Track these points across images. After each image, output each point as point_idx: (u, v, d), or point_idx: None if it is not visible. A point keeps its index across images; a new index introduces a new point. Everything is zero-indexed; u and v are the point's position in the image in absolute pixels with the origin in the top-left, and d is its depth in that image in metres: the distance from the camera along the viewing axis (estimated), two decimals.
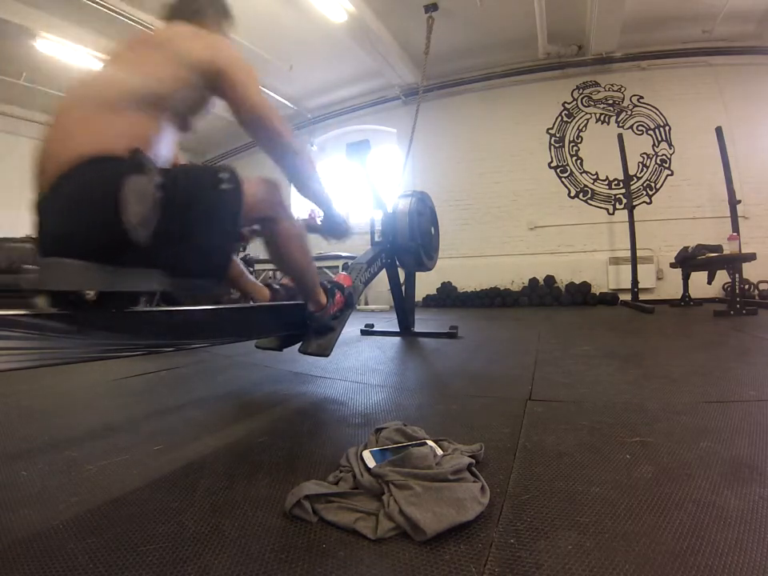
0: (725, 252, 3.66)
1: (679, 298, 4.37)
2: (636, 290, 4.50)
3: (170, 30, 0.98)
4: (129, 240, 0.72)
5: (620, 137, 4.75)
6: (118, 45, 0.95)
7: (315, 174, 1.14)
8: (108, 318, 0.81)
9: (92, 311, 0.79)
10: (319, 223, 1.35)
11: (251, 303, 1.38)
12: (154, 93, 0.83)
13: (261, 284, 1.46)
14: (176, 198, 0.79)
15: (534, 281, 5.47)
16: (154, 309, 0.93)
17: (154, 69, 0.85)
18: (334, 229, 1.33)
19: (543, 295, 5.31)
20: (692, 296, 4.32)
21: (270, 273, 5.36)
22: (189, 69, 0.88)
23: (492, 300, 5.49)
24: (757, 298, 4.45)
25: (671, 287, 4.86)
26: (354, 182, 6.45)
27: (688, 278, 4.33)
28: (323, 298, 1.34)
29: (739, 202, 4.16)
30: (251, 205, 0.94)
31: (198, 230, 0.84)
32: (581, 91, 5.69)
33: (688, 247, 4.08)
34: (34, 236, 0.82)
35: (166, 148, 0.90)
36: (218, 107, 1.02)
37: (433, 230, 2.53)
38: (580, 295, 5.18)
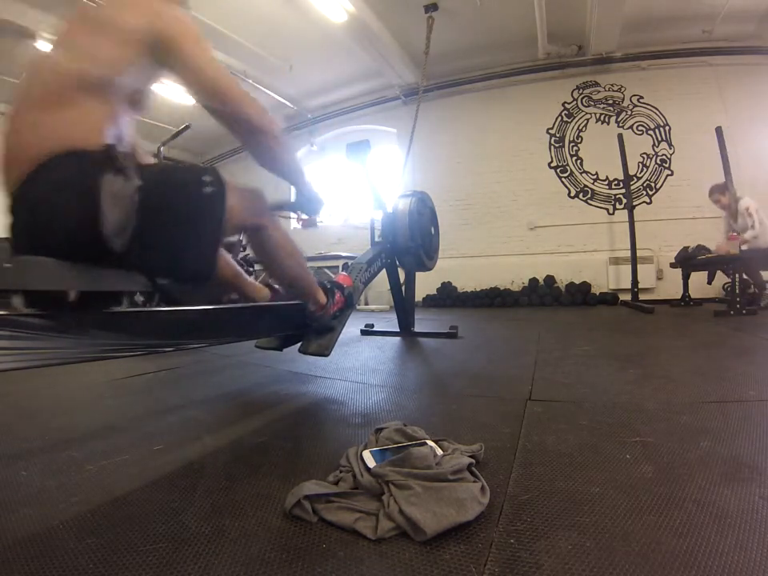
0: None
1: (679, 297, 4.37)
2: (636, 290, 4.50)
3: (110, 2, 0.85)
4: (106, 246, 0.69)
5: (620, 137, 4.75)
6: (64, 23, 0.85)
7: (284, 149, 1.02)
8: (97, 319, 0.78)
9: (73, 312, 0.75)
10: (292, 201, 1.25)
11: (251, 303, 1.37)
12: (100, 77, 0.76)
13: (260, 284, 1.40)
14: (155, 200, 0.74)
15: (534, 281, 5.47)
16: (154, 309, 0.93)
17: (96, 50, 0.76)
18: (306, 205, 1.20)
19: (543, 295, 5.31)
20: (692, 296, 4.32)
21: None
22: (132, 43, 0.79)
23: (492, 300, 5.49)
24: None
25: (671, 287, 4.86)
26: (354, 181, 6.47)
27: (688, 278, 4.33)
28: (322, 298, 1.34)
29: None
30: (236, 211, 0.88)
31: (179, 235, 0.79)
32: (581, 91, 5.69)
33: (688, 247, 4.09)
34: (7, 234, 0.76)
35: (127, 135, 0.84)
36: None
37: (433, 230, 2.53)
38: (580, 295, 5.18)
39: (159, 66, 0.85)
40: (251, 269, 2.56)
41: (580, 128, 5.70)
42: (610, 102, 5.56)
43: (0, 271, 0.67)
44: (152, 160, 1.10)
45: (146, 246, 0.75)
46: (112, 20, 0.80)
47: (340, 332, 1.43)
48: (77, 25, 0.83)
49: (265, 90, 6.05)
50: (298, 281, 1.20)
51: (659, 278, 5.13)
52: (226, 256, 1.19)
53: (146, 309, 0.91)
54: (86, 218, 0.68)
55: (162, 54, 0.81)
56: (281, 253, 1.09)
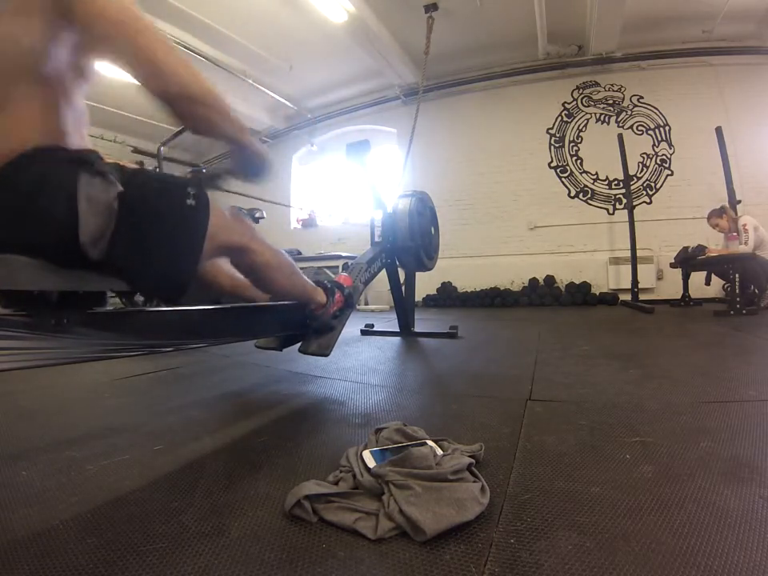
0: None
1: (679, 298, 4.37)
2: (636, 290, 4.50)
3: None
4: (80, 253, 0.66)
5: (620, 137, 4.75)
6: None
7: (224, 110, 0.85)
8: (98, 319, 0.78)
9: (54, 312, 0.71)
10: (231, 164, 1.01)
11: (251, 303, 1.38)
12: (26, 58, 0.67)
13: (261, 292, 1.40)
14: (136, 208, 0.71)
15: (534, 281, 5.48)
16: (153, 309, 0.93)
17: (17, 29, 0.66)
18: (248, 164, 0.98)
19: (543, 295, 5.31)
20: (692, 296, 4.32)
21: None
22: (40, 18, 0.67)
23: (492, 300, 5.49)
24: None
25: (671, 287, 4.86)
26: (354, 181, 6.47)
27: (688, 278, 4.33)
28: (322, 298, 1.34)
29: (739, 202, 4.17)
30: (220, 230, 0.85)
31: (157, 247, 0.75)
32: (581, 91, 5.69)
33: (688, 247, 4.09)
34: None
35: (79, 131, 0.77)
36: None
37: (433, 230, 2.53)
38: (580, 295, 5.18)
39: (93, 44, 0.74)
40: None
41: (580, 128, 5.70)
42: (610, 101, 5.56)
43: None
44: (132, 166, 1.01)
45: (122, 256, 0.71)
46: None
47: (340, 332, 1.43)
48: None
49: (265, 90, 6.05)
50: (292, 293, 1.19)
51: (659, 278, 5.13)
52: (222, 266, 1.15)
53: (146, 309, 0.91)
54: (62, 222, 0.64)
55: (70, 25, 0.69)
56: (271, 272, 1.05)
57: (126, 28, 0.70)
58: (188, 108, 0.78)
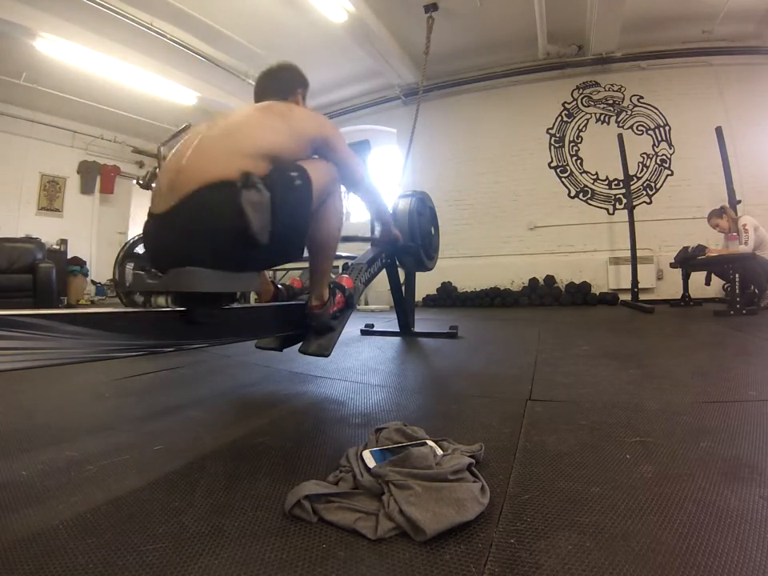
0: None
1: (679, 297, 4.37)
2: (636, 289, 4.50)
3: (287, 108, 1.20)
4: (253, 242, 0.92)
5: (620, 137, 4.75)
6: (249, 106, 1.21)
7: (383, 203, 1.63)
8: (101, 319, 0.83)
9: (200, 310, 0.97)
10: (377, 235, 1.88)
11: (251, 303, 1.39)
12: (277, 154, 1.04)
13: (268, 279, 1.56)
14: (275, 201, 0.97)
15: (534, 281, 5.47)
16: (154, 309, 0.93)
17: (282, 138, 1.08)
18: (389, 241, 1.98)
19: (543, 295, 5.31)
20: (692, 296, 4.32)
21: (270, 273, 5.36)
22: (305, 141, 1.15)
23: (492, 300, 5.49)
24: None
25: (671, 287, 4.86)
26: None
27: (688, 278, 4.33)
28: (326, 294, 1.35)
29: (739, 202, 4.17)
30: (318, 189, 1.12)
31: (294, 221, 1.05)
32: (581, 91, 5.69)
33: (688, 247, 4.09)
34: (146, 243, 1.03)
35: None
36: None
37: (433, 230, 2.53)
38: (580, 295, 5.18)
39: (313, 152, 1.20)
40: None
41: (580, 128, 5.70)
42: (610, 101, 5.56)
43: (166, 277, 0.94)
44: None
45: (277, 235, 0.97)
46: (297, 124, 1.14)
47: (340, 332, 1.43)
48: (266, 112, 1.14)
49: None
50: (330, 245, 1.31)
51: (659, 278, 5.13)
52: None
53: (146, 309, 0.91)
54: (239, 222, 0.90)
55: (322, 148, 1.21)
56: (332, 216, 1.27)
57: (347, 158, 1.29)
58: (370, 199, 1.53)
